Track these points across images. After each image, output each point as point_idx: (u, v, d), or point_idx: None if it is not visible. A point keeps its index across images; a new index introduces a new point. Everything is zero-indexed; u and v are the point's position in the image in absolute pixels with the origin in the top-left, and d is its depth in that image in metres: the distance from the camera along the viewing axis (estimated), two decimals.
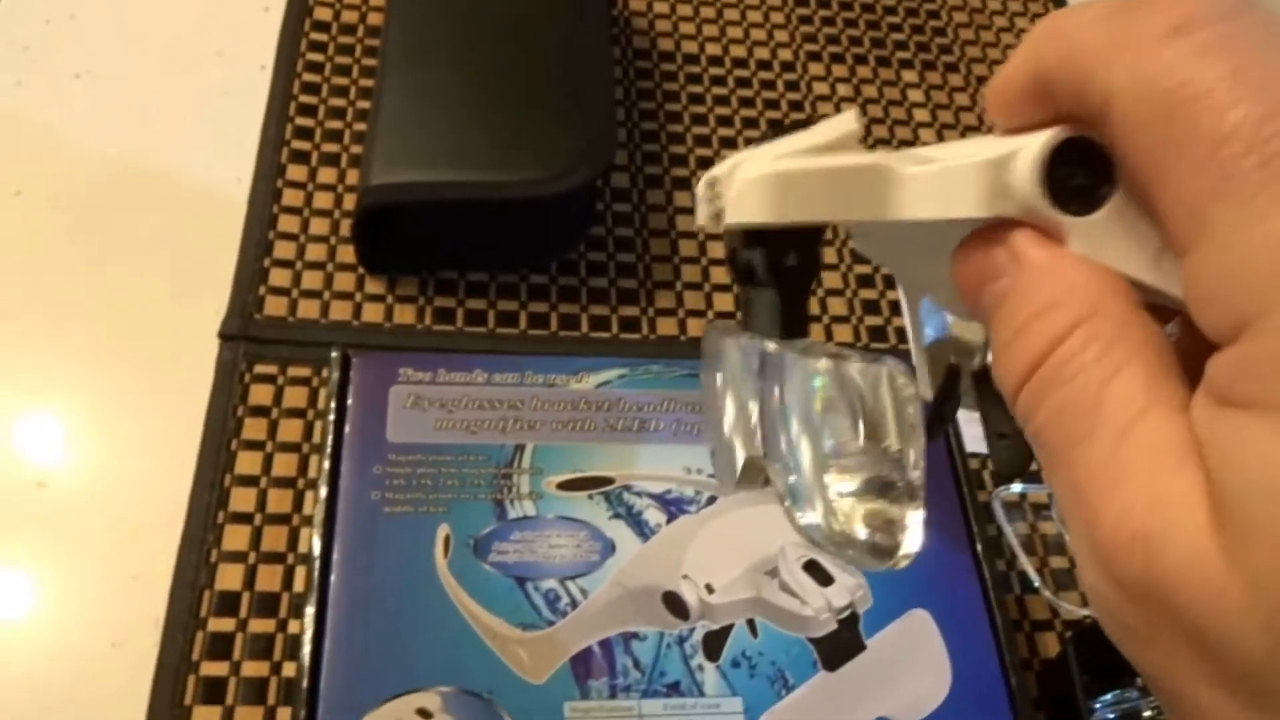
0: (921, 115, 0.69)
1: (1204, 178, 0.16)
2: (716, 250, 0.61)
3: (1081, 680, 0.47)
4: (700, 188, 0.26)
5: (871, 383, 0.24)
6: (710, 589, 0.46)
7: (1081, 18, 0.18)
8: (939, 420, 0.26)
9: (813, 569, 0.47)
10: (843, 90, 0.69)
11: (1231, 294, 0.15)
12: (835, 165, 0.22)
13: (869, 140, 0.67)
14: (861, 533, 0.24)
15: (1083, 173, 0.18)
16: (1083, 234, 0.18)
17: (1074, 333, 0.18)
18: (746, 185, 0.24)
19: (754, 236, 0.25)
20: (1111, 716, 0.48)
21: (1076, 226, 0.18)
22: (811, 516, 0.25)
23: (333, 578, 0.44)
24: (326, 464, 0.47)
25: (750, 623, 0.46)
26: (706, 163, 0.64)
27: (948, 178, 0.20)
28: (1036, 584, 0.51)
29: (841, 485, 0.24)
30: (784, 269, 0.25)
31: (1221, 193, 0.15)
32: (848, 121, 0.24)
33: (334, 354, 0.49)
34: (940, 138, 0.68)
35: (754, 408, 0.27)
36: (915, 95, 0.70)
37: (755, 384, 0.27)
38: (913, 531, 0.23)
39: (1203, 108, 0.16)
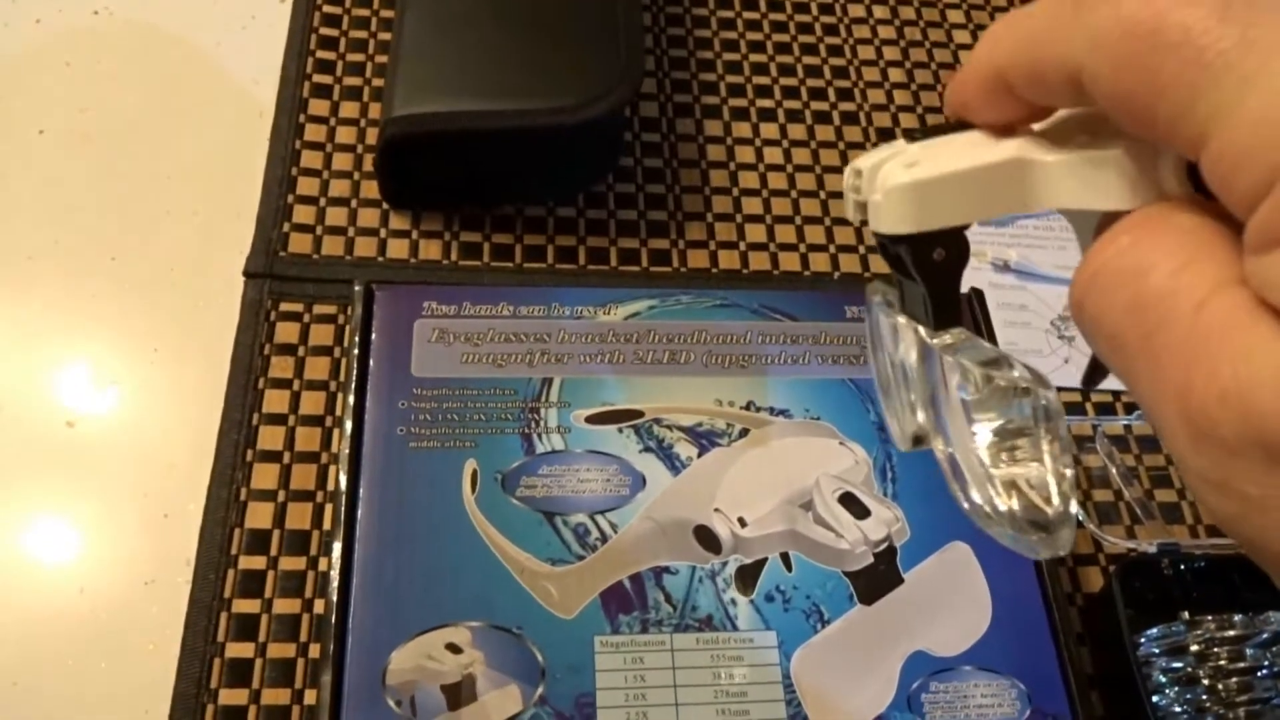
0: (962, 37, 0.66)
1: (1191, 75, 0.16)
2: (749, 181, 0.60)
3: (1127, 614, 0.45)
4: (847, 178, 0.25)
5: (1016, 396, 0.24)
6: (743, 522, 0.45)
7: (1028, 10, 0.20)
8: (1099, 367, 0.27)
9: (848, 501, 0.46)
10: (879, 12, 0.66)
11: (1256, 151, 0.16)
12: (973, 166, 0.22)
13: (913, 86, 0.64)
14: (1020, 511, 0.25)
15: None
16: None
17: (1140, 241, 0.18)
18: (886, 195, 0.23)
19: (900, 235, 0.25)
20: (1157, 650, 0.47)
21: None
22: (975, 495, 0.26)
23: (360, 514, 0.44)
24: (351, 399, 0.46)
25: (784, 556, 0.45)
26: (737, 90, 0.62)
27: (1091, 169, 0.20)
28: (1081, 517, 0.50)
29: (997, 469, 0.25)
30: (932, 264, 0.25)
31: (1213, 82, 0.16)
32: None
33: (357, 287, 0.49)
34: None
35: (913, 382, 0.28)
36: (955, 16, 0.67)
37: (909, 360, 0.28)
38: (1066, 532, 0.24)
39: (1173, 22, 0.17)
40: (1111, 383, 0.59)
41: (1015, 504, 0.25)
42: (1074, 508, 0.24)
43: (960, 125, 0.23)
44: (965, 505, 0.27)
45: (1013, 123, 0.22)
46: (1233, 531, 0.17)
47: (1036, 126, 0.22)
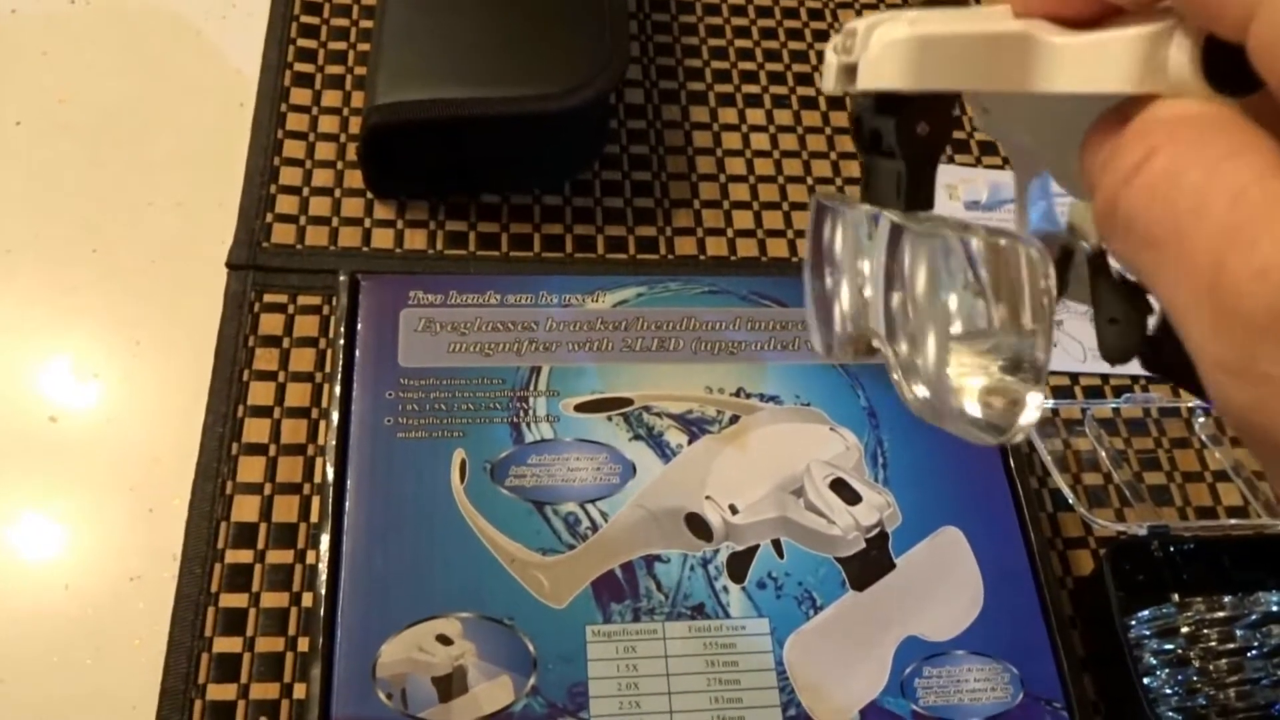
0: None
1: None
2: (735, 167, 0.59)
3: (1118, 597, 0.45)
4: (832, 43, 0.24)
5: (1005, 259, 0.23)
6: (734, 509, 0.45)
7: None
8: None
9: (839, 487, 0.46)
10: None
11: None
12: (980, 31, 0.21)
13: None
14: (975, 409, 0.24)
15: (1241, 54, 0.17)
16: None
17: (1176, 136, 0.18)
18: (885, 48, 0.22)
19: (885, 103, 0.23)
20: (1148, 633, 0.47)
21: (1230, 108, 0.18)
22: (923, 390, 0.25)
23: (347, 506, 0.43)
24: (337, 390, 0.46)
25: (776, 543, 0.45)
26: (723, 76, 0.62)
27: (1099, 50, 0.19)
28: (1071, 500, 0.50)
29: (962, 361, 0.24)
30: (914, 138, 0.24)
31: None
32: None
33: (342, 278, 0.48)
34: None
35: (864, 278, 0.26)
36: None
37: (869, 254, 0.26)
38: (1030, 409, 0.23)
39: None
40: (1100, 366, 0.59)
41: (976, 409, 0.24)
42: (1035, 413, 0.23)
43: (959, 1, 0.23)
44: (911, 400, 0.26)
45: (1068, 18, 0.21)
46: (1246, 422, 0.17)
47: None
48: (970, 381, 0.24)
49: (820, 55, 0.64)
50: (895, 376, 0.26)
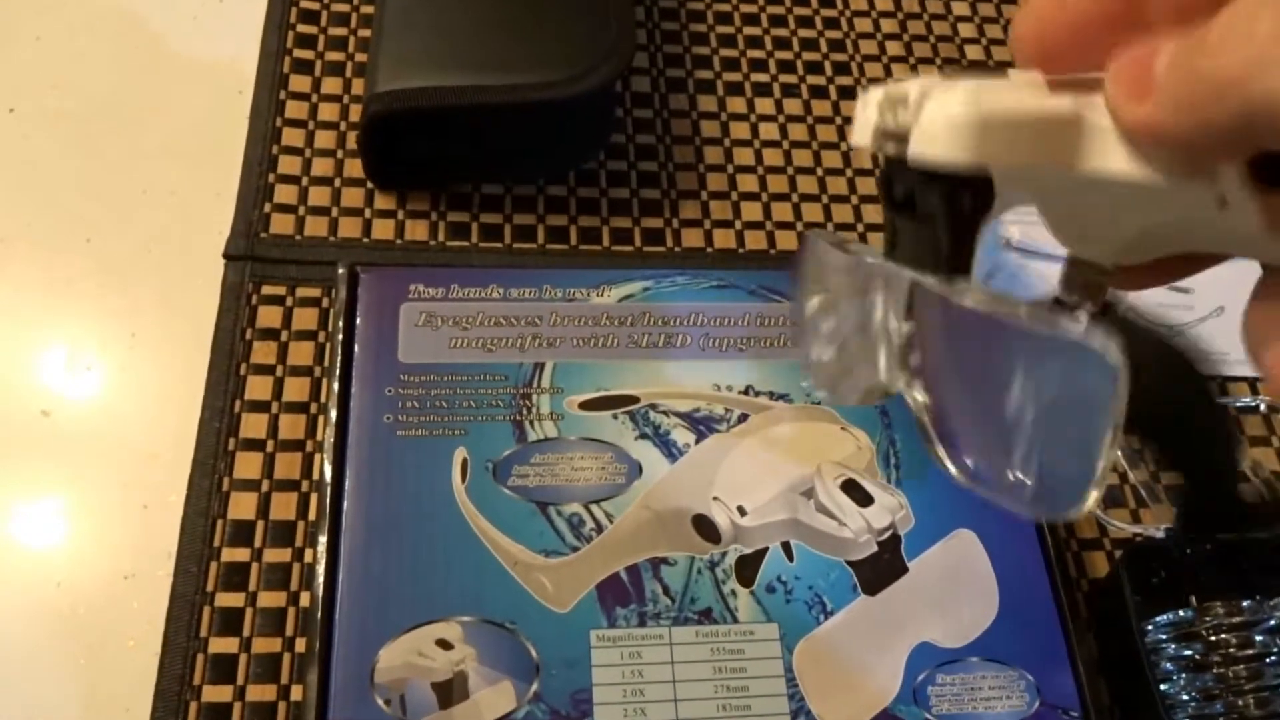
0: (960, 9, 0.65)
1: None
2: (744, 157, 0.58)
3: (1134, 601, 0.44)
4: (873, 101, 0.24)
5: (1070, 355, 0.22)
6: (742, 511, 0.44)
7: None
8: None
9: (851, 489, 0.45)
10: None
11: None
12: (1035, 111, 0.22)
13: (912, 59, 0.63)
14: (1033, 486, 0.24)
15: None
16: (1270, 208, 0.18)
17: None
18: (946, 123, 0.22)
19: (932, 173, 0.23)
20: (1164, 638, 0.46)
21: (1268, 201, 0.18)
22: (970, 461, 0.25)
23: (346, 504, 0.42)
24: (336, 385, 0.45)
25: (785, 546, 0.44)
26: (731, 64, 0.61)
27: None
28: None
29: (1020, 439, 0.24)
30: (960, 208, 0.24)
31: None
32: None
33: (341, 270, 0.47)
34: (988, 54, 0.64)
35: (895, 336, 0.26)
36: (960, 8, 0.65)
37: (896, 313, 0.26)
38: (1089, 499, 0.23)
39: None
40: None
41: (1033, 486, 0.24)
42: (1090, 503, 0.22)
43: (998, 69, 0.23)
44: (950, 469, 0.26)
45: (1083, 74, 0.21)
46: None
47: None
48: (1027, 459, 0.24)
49: (830, 44, 0.62)
50: (935, 449, 0.26)
